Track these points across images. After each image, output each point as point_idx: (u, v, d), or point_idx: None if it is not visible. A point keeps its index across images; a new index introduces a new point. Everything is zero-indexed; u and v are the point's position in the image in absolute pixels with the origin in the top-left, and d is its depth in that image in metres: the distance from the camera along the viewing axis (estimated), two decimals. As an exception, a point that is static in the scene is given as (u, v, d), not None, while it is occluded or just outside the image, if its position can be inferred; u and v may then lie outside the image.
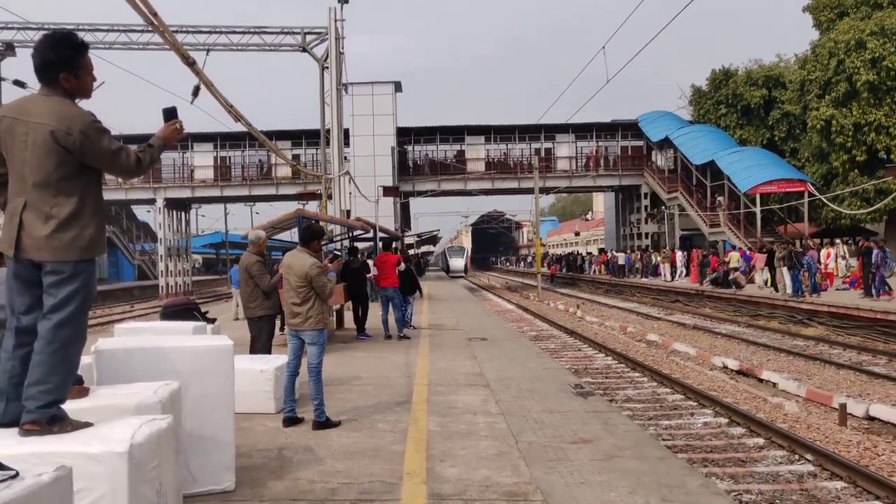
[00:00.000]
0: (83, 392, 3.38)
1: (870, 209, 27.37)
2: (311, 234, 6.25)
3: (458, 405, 6.63)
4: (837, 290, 21.33)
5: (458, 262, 62.17)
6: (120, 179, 35.83)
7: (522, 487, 4.25)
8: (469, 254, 71.40)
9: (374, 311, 12.93)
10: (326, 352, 10.40)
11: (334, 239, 18.07)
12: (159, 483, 3.07)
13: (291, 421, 5.87)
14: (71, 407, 3.04)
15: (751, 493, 6.01)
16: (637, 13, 12.84)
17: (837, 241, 28.59)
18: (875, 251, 18.08)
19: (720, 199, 35.05)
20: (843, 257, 25.00)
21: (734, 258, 25.99)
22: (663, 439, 7.51)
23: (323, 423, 5.72)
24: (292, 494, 4.16)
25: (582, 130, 43.34)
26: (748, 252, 27.13)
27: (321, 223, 15.11)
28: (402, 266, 13.18)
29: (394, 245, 20.14)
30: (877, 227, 32.25)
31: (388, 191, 33.89)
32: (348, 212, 22.45)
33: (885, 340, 14.85)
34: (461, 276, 57.28)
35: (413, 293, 14.08)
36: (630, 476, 4.46)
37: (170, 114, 3.29)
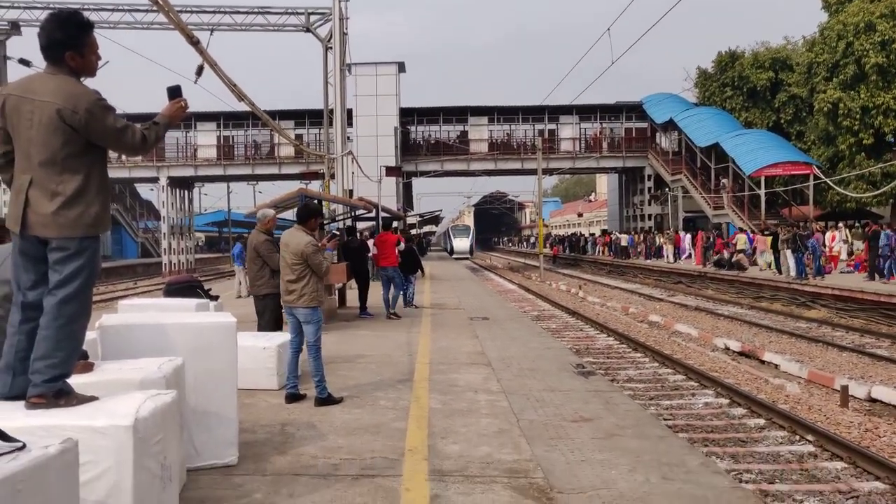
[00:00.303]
0: (88, 367, 3.41)
1: (876, 192, 27.20)
2: (308, 213, 6.28)
3: (459, 383, 6.67)
4: (841, 273, 21.31)
5: (462, 243, 56.80)
6: (123, 157, 35.87)
7: (523, 465, 4.28)
8: (474, 233, 63.19)
9: (375, 290, 12.96)
10: (329, 330, 10.44)
11: (336, 218, 18.06)
12: (163, 457, 3.10)
13: (294, 397, 5.92)
14: (76, 381, 3.07)
15: (751, 473, 6.06)
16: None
17: (840, 224, 28.48)
18: (890, 234, 18.04)
19: (724, 181, 34.88)
20: (844, 241, 24.97)
21: (741, 240, 25.92)
22: (664, 419, 7.55)
23: (325, 400, 5.78)
24: (295, 469, 4.20)
25: (586, 112, 43.07)
26: (751, 234, 27.07)
27: (322, 202, 15.09)
28: (403, 245, 13.17)
29: (394, 225, 20.13)
30: (883, 210, 32.10)
31: (390, 171, 33.79)
32: (351, 191, 22.42)
33: (889, 323, 14.85)
34: (466, 258, 52.45)
35: (415, 272, 14.10)
36: (630, 454, 4.49)
37: (174, 92, 3.28)
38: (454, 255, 52.65)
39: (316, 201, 11.42)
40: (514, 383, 6.68)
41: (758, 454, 6.60)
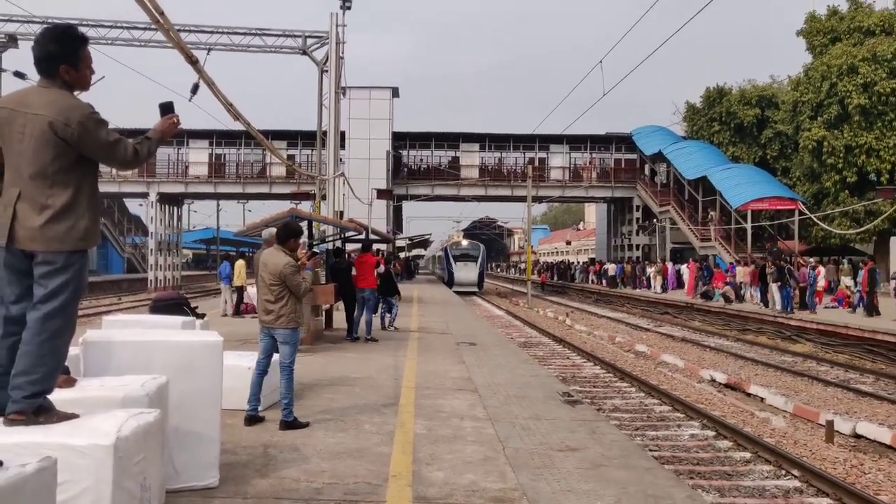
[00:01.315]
0: (70, 382, 3.35)
1: (860, 230, 27.62)
2: (288, 233, 6.12)
3: (445, 409, 6.60)
4: (826, 307, 21.48)
5: (468, 272, 39.56)
6: (114, 172, 35.71)
7: (508, 493, 4.23)
8: (485, 256, 43.52)
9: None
10: (315, 352, 10.35)
11: (326, 239, 18.01)
12: (143, 477, 3.04)
13: (253, 419, 5.80)
14: (57, 397, 3.01)
15: (735, 507, 6.02)
16: (635, 30, 12.94)
17: (812, 259, 28.81)
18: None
19: (712, 213, 35.27)
20: (824, 278, 25.26)
21: (740, 273, 26.04)
22: (650, 450, 7.50)
23: (290, 424, 5.63)
24: (276, 493, 4.12)
25: (576, 142, 43.59)
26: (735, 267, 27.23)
27: (312, 223, 15.03)
28: (382, 268, 13.04)
29: (374, 247, 20.03)
30: (866, 247, 32.54)
31: (381, 193, 33.89)
32: (341, 213, 22.44)
33: (872, 359, 14.95)
34: (473, 292, 38.19)
35: (392, 295, 14.00)
36: (616, 485, 4.45)
37: (167, 108, 3.30)
38: (455, 287, 37.34)
39: (305, 222, 11.37)
40: (500, 410, 6.62)
41: (743, 488, 6.57)
